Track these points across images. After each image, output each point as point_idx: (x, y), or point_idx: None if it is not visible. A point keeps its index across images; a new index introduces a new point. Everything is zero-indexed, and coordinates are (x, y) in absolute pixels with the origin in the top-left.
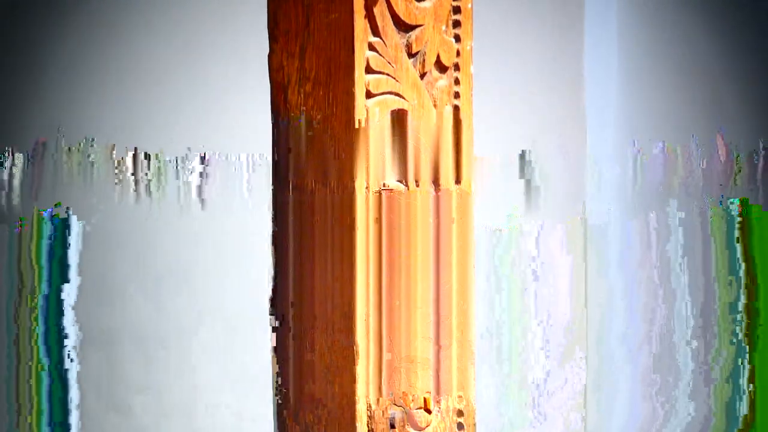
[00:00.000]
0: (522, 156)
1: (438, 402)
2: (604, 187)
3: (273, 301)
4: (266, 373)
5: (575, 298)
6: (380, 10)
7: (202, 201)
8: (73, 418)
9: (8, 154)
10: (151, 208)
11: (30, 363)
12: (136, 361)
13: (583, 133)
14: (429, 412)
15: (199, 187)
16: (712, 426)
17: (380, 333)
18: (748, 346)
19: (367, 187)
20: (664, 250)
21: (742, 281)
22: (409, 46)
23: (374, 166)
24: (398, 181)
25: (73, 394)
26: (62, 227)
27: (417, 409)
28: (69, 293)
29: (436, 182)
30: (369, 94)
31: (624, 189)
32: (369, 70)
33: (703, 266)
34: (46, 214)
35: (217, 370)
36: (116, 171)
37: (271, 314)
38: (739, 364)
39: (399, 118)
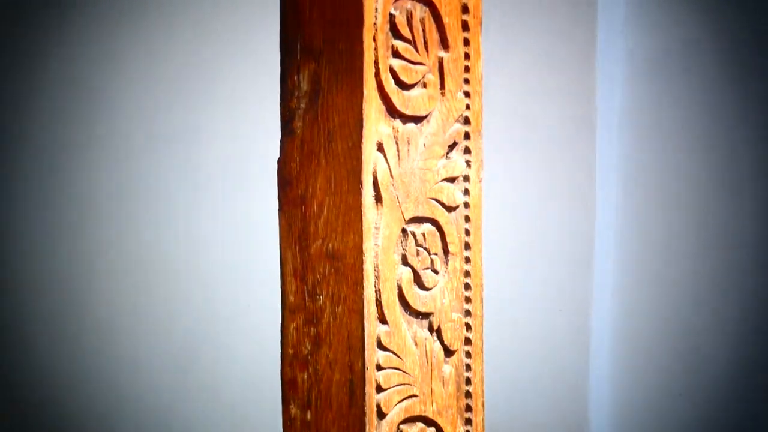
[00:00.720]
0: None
1: (445, 263)
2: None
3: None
4: (272, 232)
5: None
6: None
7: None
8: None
9: None
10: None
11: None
12: (144, 219)
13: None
14: (436, 272)
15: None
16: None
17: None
18: None
19: (375, 49)
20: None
21: None
22: None
23: (381, 28)
24: (407, 42)
25: (84, 259)
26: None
27: (424, 269)
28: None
29: (445, 44)
30: None
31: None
32: None
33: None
34: None
35: (223, 227)
36: None
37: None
38: None
39: None
